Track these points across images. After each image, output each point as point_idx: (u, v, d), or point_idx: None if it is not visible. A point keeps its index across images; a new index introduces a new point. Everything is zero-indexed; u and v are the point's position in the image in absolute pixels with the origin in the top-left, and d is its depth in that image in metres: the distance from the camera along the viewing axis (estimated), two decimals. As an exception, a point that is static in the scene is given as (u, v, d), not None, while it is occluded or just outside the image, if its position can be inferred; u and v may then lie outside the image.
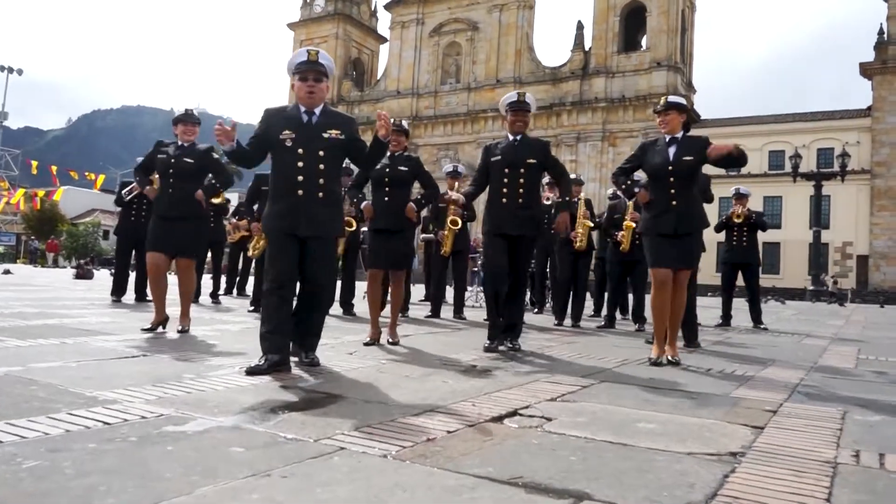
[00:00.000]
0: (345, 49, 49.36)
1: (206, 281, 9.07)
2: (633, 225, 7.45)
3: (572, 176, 8.03)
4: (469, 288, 11.50)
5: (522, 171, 4.79)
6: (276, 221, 3.48)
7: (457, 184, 7.98)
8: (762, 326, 8.31)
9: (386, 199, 4.95)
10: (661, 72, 38.53)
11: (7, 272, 15.94)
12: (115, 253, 8.24)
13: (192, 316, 5.31)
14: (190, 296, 5.10)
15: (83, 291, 10.00)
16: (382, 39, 51.49)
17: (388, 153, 5.10)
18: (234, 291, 10.39)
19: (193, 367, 3.43)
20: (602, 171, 39.10)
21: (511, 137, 4.91)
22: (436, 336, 5.79)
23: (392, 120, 5.25)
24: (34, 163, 50.09)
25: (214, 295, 8.73)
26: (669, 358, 4.34)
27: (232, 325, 5.88)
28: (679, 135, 4.58)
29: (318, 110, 3.55)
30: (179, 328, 4.97)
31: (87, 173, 54.08)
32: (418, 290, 11.19)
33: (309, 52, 3.54)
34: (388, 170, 5.00)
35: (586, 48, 41.01)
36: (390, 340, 4.94)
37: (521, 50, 42.55)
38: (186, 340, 4.58)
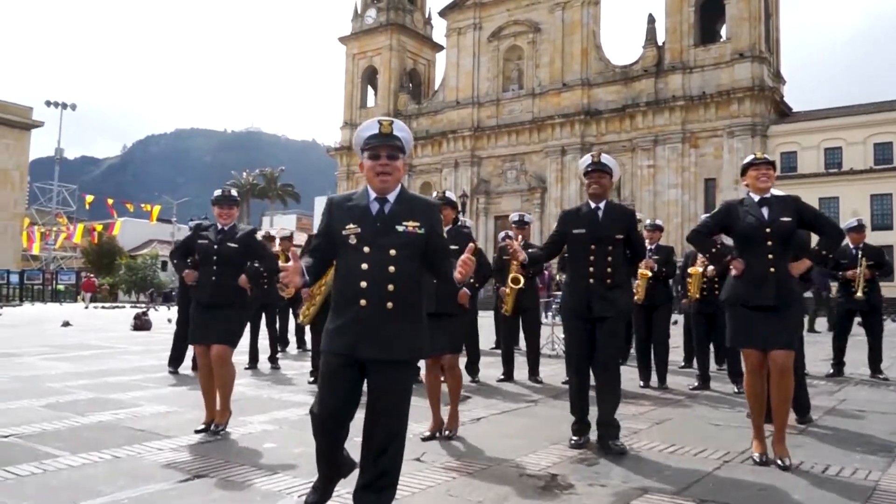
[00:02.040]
0: (399, 60, 49.93)
1: (263, 343, 9.15)
2: (699, 270, 7.16)
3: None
4: (544, 318, 11.22)
5: (610, 247, 4.59)
6: (331, 339, 2.98)
7: (521, 235, 7.82)
8: (882, 377, 7.82)
9: (435, 280, 4.84)
10: (744, 63, 37.42)
11: (67, 324, 16.58)
12: (177, 321, 8.43)
13: (248, 394, 5.34)
14: (228, 389, 5.06)
15: (140, 354, 10.28)
16: (438, 48, 51.87)
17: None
18: (297, 347, 10.47)
19: (246, 498, 3.39)
20: (683, 176, 38.18)
21: (593, 205, 4.70)
22: (511, 417, 5.64)
23: (435, 192, 5.18)
24: (89, 198, 52.61)
25: (273, 359, 8.80)
26: (780, 462, 4.04)
27: (291, 409, 5.87)
28: (769, 194, 4.31)
29: (392, 196, 3.01)
30: (218, 427, 4.94)
31: (142, 205, 56.49)
32: (488, 330, 11.03)
33: (381, 124, 3.04)
34: None
35: (659, 43, 40.24)
36: (449, 433, 4.80)
37: (588, 49, 42.07)
38: (240, 448, 4.57)
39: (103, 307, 32.36)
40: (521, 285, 7.39)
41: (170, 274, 55.53)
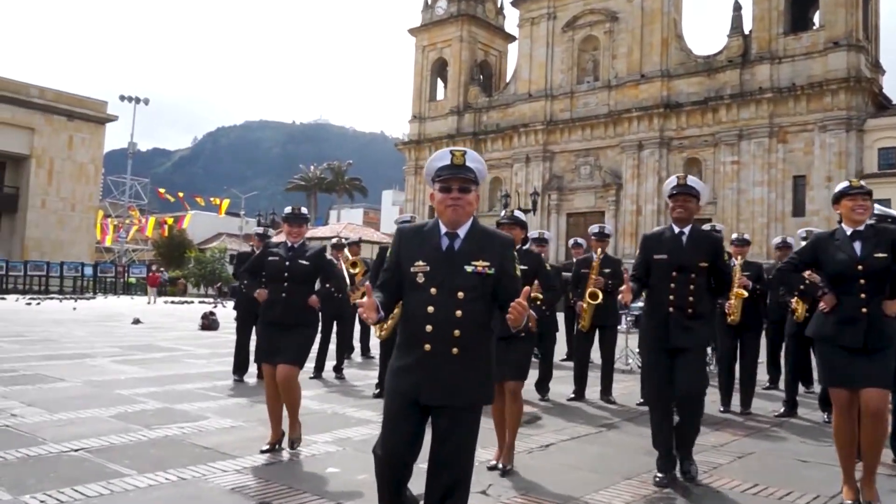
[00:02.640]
0: (470, 52, 49.87)
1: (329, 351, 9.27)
2: (743, 293, 6.87)
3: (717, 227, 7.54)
4: (620, 325, 10.96)
5: (693, 275, 4.48)
6: (395, 378, 2.96)
7: (600, 248, 7.68)
8: None
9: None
10: (839, 53, 35.90)
11: (137, 321, 17.20)
12: (236, 329, 8.62)
13: (312, 407, 5.41)
14: (296, 408, 5.14)
15: (206, 359, 10.56)
16: (510, 38, 51.58)
17: None
18: (360, 355, 10.58)
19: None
20: (770, 173, 36.97)
21: (676, 230, 4.59)
22: (582, 445, 5.54)
23: (503, 212, 5.14)
24: (162, 190, 54.51)
25: (339, 369, 8.91)
26: (870, 508, 3.85)
27: (355, 427, 5.91)
28: (862, 226, 4.08)
29: (462, 231, 2.95)
30: (290, 445, 5.05)
31: (211, 198, 58.22)
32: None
33: (453, 154, 2.98)
34: None
35: (746, 31, 38.97)
36: (502, 467, 4.70)
37: (669, 39, 41.11)
38: (303, 473, 4.62)
39: (172, 302, 33.43)
40: (599, 301, 7.28)
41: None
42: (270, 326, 5.13)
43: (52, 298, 32.52)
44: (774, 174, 37.02)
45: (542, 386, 7.59)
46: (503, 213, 5.14)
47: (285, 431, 5.16)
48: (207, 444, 5.23)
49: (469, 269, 2.88)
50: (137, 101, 52.01)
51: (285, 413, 5.15)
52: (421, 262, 2.91)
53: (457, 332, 2.85)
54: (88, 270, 44.32)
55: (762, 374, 8.76)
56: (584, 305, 7.42)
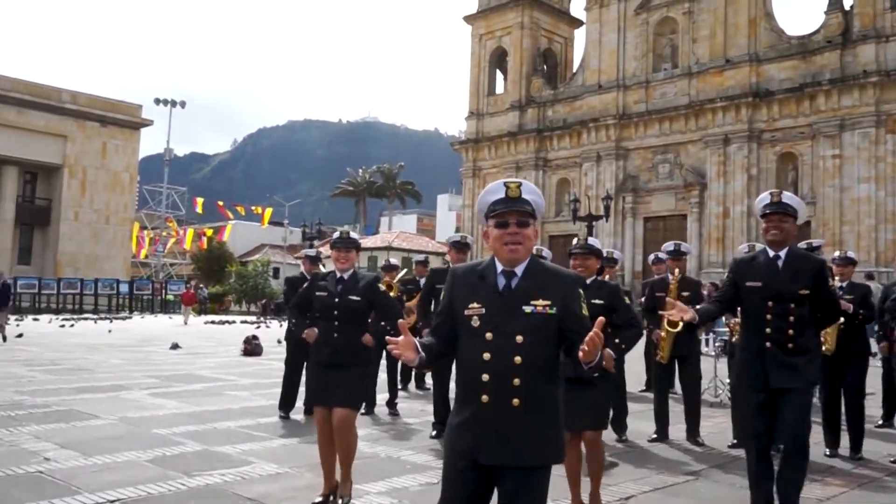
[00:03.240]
0: (532, 40, 49.77)
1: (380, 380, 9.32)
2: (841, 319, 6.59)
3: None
4: (704, 348, 10.79)
5: (792, 305, 4.38)
6: (452, 435, 2.94)
7: (676, 268, 7.54)
8: None
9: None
10: (957, 28, 34.66)
11: (175, 346, 17.60)
12: (285, 361, 8.74)
13: (363, 450, 5.44)
14: (352, 457, 5.18)
15: (249, 390, 10.73)
16: (577, 24, 51.31)
17: None
18: (413, 384, 10.60)
19: None
20: (877, 168, 35.83)
21: (771, 254, 4.50)
22: (667, 497, 5.43)
23: (576, 239, 5.12)
24: (200, 200, 55.82)
25: (392, 404, 8.94)
26: None
27: (411, 474, 5.91)
28: None
29: (520, 269, 2.93)
30: (340, 501, 5.07)
31: (253, 207, 59.36)
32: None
33: (508, 187, 2.97)
34: None
35: (846, 7, 37.93)
36: None
37: (757, 18, 40.27)
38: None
39: (213, 322, 34.12)
40: (678, 329, 7.15)
41: (281, 283, 58.05)
42: (321, 368, 5.17)
43: (86, 318, 33.56)
44: (883, 169, 35.83)
45: (619, 425, 7.47)
46: (574, 240, 5.09)
47: (338, 482, 5.19)
48: (252, 494, 5.30)
49: (528, 309, 2.86)
50: (174, 103, 53.47)
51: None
52: (475, 304, 2.91)
53: (516, 381, 2.82)
54: (124, 287, 45.67)
55: (873, 410, 8.47)
56: (663, 334, 7.28)
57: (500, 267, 2.96)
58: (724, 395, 9.94)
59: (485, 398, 2.84)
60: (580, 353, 2.76)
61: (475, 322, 2.89)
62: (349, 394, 5.07)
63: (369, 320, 5.38)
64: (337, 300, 5.16)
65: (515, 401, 2.82)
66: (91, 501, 5.01)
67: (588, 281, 4.95)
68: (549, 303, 2.87)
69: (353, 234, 5.48)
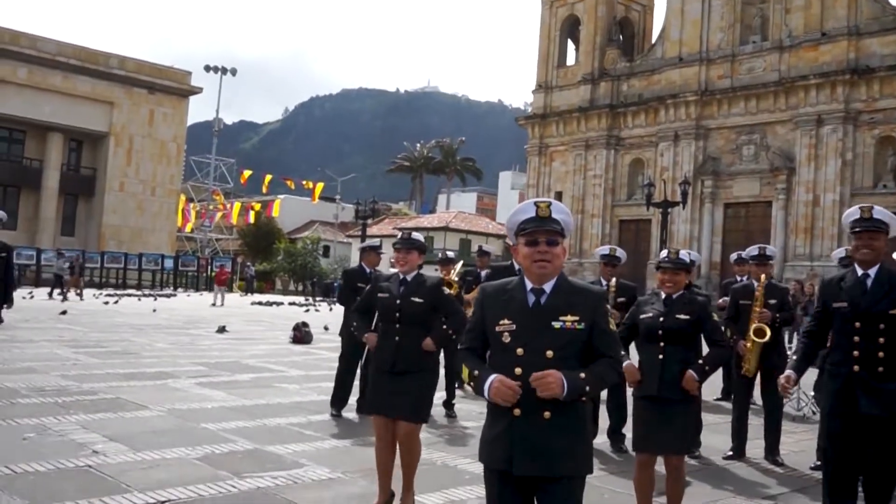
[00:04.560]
0: (608, 7, 49.17)
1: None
2: None
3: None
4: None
5: (883, 326, 4.40)
6: (487, 451, 3.23)
7: (763, 274, 7.47)
8: None
9: (660, 356, 4.83)
10: None
11: (223, 329, 18.04)
12: (340, 357, 8.91)
13: (424, 455, 5.56)
14: (413, 468, 5.30)
15: (299, 382, 10.98)
16: (657, -11, 50.48)
17: (665, 295, 5.01)
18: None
19: None
20: None
21: (860, 272, 4.54)
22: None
23: (666, 251, 5.15)
24: (247, 173, 56.70)
25: (449, 405, 9.05)
26: None
27: (470, 485, 6.01)
28: None
29: (549, 286, 3.21)
30: None
31: (304, 182, 60.09)
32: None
33: (538, 206, 3.26)
34: (662, 319, 4.86)
35: (961, -24, 36.65)
36: None
37: (858, -13, 39.17)
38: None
39: (260, 303, 34.78)
40: (766, 339, 7.13)
41: (331, 262, 58.87)
42: (383, 374, 5.29)
43: (130, 295, 34.53)
44: None
45: (693, 439, 7.47)
46: (664, 253, 5.11)
47: (394, 492, 5.32)
48: (304, 500, 5.48)
49: (557, 325, 3.15)
50: (224, 71, 54.39)
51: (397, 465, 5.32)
52: (506, 321, 3.20)
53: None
54: (169, 263, 46.86)
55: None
56: (749, 345, 7.24)
57: (529, 284, 3.24)
58: (807, 409, 9.83)
59: (517, 412, 3.11)
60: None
61: (506, 338, 3.18)
62: (414, 405, 5.19)
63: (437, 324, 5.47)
64: (399, 302, 5.28)
65: (546, 414, 3.10)
66: (141, 501, 5.24)
67: (675, 295, 5.00)
68: (577, 318, 3.16)
69: (416, 235, 5.58)
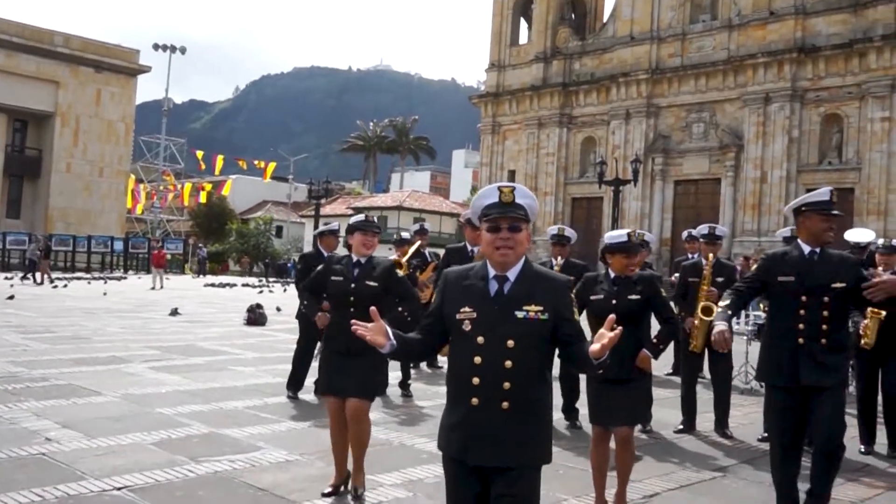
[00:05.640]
0: (559, -15, 49.21)
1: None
2: (882, 312, 6.63)
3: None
4: (739, 327, 10.92)
5: (826, 299, 4.54)
6: (445, 438, 3.20)
7: (711, 253, 7.61)
8: None
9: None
10: None
11: (175, 312, 17.86)
12: (297, 340, 8.87)
13: (376, 437, 5.61)
14: (364, 448, 5.34)
15: (255, 365, 10.93)
16: (608, -32, 50.62)
17: (614, 275, 5.08)
18: (427, 364, 10.78)
19: None
20: (931, 133, 35.48)
21: (806, 249, 4.65)
22: (693, 496, 5.58)
23: (635, 230, 5.22)
24: (199, 153, 55.96)
25: (404, 385, 9.08)
26: None
27: (426, 465, 6.06)
28: None
29: (513, 273, 3.13)
30: (352, 493, 5.24)
31: (255, 161, 59.49)
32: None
33: (501, 191, 3.18)
34: (614, 301, 4.94)
35: (903, -44, 37.29)
36: None
37: (805, -34, 39.68)
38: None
39: (213, 285, 34.46)
40: (713, 316, 7.26)
41: (284, 242, 58.47)
42: (335, 356, 5.31)
43: (79, 278, 33.95)
44: (937, 134, 35.54)
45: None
46: (619, 234, 5.14)
47: (350, 471, 5.36)
48: (262, 483, 5.49)
49: (520, 314, 3.07)
50: (173, 49, 53.40)
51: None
52: (467, 308, 3.12)
53: (507, 385, 3.05)
54: (119, 245, 46.06)
55: None
56: (697, 322, 7.38)
57: (492, 272, 3.16)
58: (754, 383, 10.05)
59: (475, 401, 3.08)
60: (593, 349, 2.98)
61: (466, 326, 3.11)
62: (363, 383, 5.21)
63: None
64: (353, 286, 5.28)
65: (505, 404, 3.06)
66: (97, 488, 5.21)
67: (625, 276, 5.08)
68: (541, 308, 3.08)
69: (376, 220, 5.60)
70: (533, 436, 3.11)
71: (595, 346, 2.98)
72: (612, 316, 3.06)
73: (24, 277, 29.58)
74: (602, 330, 3.01)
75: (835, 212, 4.62)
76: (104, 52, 51.99)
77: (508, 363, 3.04)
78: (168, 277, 38.00)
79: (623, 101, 45.03)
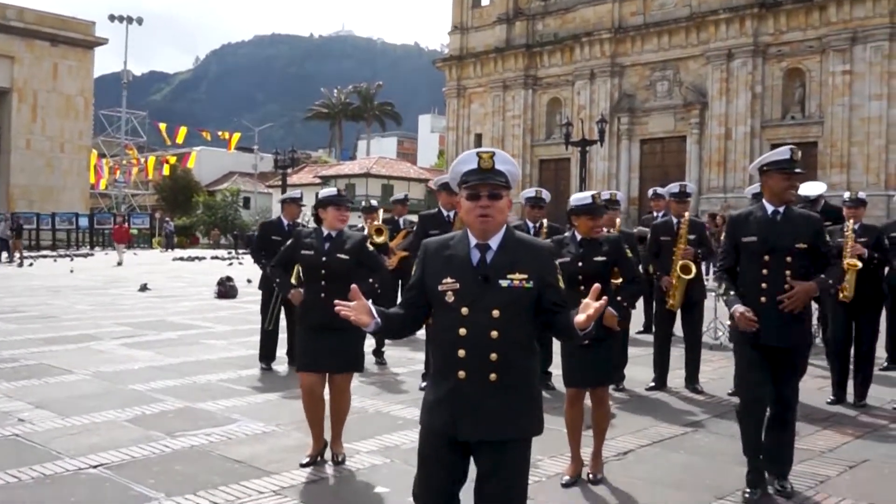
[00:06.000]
0: (520, -55, 48.81)
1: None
2: (858, 264, 6.78)
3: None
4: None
5: (789, 259, 4.60)
6: (428, 413, 3.09)
7: (686, 214, 7.67)
8: None
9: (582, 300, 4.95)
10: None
11: (145, 288, 17.72)
12: (261, 311, 8.83)
13: (352, 406, 5.64)
14: (343, 420, 5.38)
15: (227, 338, 10.90)
16: (569, -74, 50.26)
17: (580, 238, 5.09)
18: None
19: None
20: (890, 85, 35.84)
21: (769, 209, 4.69)
22: (665, 451, 5.68)
23: (599, 192, 5.23)
24: (162, 126, 55.21)
25: (378, 353, 9.10)
26: None
27: (402, 431, 6.11)
28: None
29: (494, 241, 3.04)
30: (333, 460, 5.29)
31: (219, 132, 58.81)
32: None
33: (480, 157, 3.06)
34: (580, 263, 4.97)
35: None
36: (592, 477, 5.00)
37: (765, -80, 39.66)
38: (350, 494, 4.86)
39: (182, 259, 34.19)
40: (692, 275, 7.36)
41: (253, 213, 58.04)
42: (310, 331, 5.29)
43: (44, 256, 33.54)
44: (896, 86, 35.93)
45: (617, 373, 7.70)
46: (584, 196, 5.12)
47: (327, 441, 5.38)
48: (238, 456, 5.50)
49: (504, 283, 2.98)
50: (130, 20, 52.38)
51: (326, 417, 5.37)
52: (449, 280, 3.02)
53: (493, 356, 2.96)
54: (84, 221, 45.52)
55: (880, 353, 8.76)
56: (675, 281, 7.44)
57: (473, 240, 3.06)
58: (724, 338, 10.21)
59: (461, 374, 2.99)
60: (579, 319, 2.90)
61: (449, 297, 3.01)
62: (345, 358, 5.23)
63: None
64: (325, 259, 5.26)
65: (493, 376, 2.97)
66: (73, 467, 5.19)
67: (590, 238, 5.09)
68: (525, 276, 2.99)
69: (345, 192, 5.57)
70: (523, 407, 3.03)
71: (580, 317, 2.89)
72: (597, 285, 3.01)
73: None
74: (587, 300, 2.93)
75: (797, 170, 4.65)
76: (59, 25, 50.94)
77: (494, 333, 2.95)
78: (135, 253, 37.70)
79: (587, 61, 44.97)
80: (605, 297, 2.96)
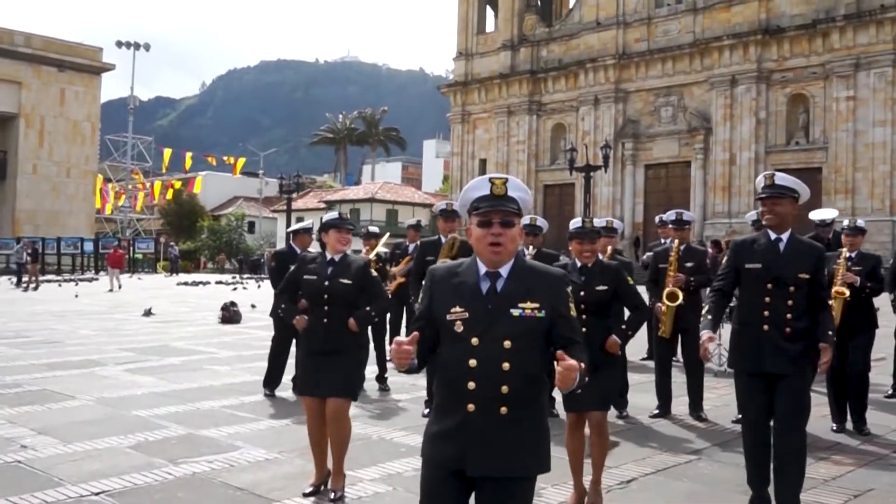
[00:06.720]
0: (525, -27, 49.23)
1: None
2: (846, 293, 6.79)
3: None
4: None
5: (792, 289, 4.61)
6: (431, 447, 3.00)
7: (677, 241, 7.70)
8: None
9: (584, 329, 4.94)
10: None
11: (149, 313, 17.73)
12: (273, 338, 8.84)
13: (355, 433, 5.62)
14: (345, 448, 5.32)
15: (230, 364, 10.90)
16: (573, -46, 50.72)
17: (580, 265, 5.12)
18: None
19: None
20: (894, 110, 35.96)
21: (773, 236, 4.71)
22: (668, 480, 5.66)
23: (591, 217, 5.26)
24: (167, 152, 55.49)
25: (381, 378, 9.11)
26: None
27: (405, 458, 6.10)
28: None
29: (505, 269, 2.96)
30: (332, 496, 5.19)
31: (225, 157, 59.10)
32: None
33: (493, 183, 2.99)
34: (582, 293, 4.98)
35: (863, -64, 37.67)
36: None
37: (767, -52, 39.99)
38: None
39: (186, 283, 34.22)
40: (679, 301, 7.34)
41: (257, 238, 58.19)
42: (312, 356, 5.31)
43: (49, 281, 33.59)
44: (901, 111, 36.02)
45: (620, 400, 7.69)
46: (576, 222, 5.18)
47: (330, 470, 5.37)
48: (241, 483, 5.49)
49: (516, 312, 2.90)
50: (137, 46, 52.84)
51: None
52: (458, 308, 2.93)
53: (504, 388, 2.88)
54: (89, 246, 45.58)
55: (886, 379, 8.75)
56: (664, 308, 7.45)
57: (482, 269, 2.98)
58: (723, 359, 10.17)
59: (471, 407, 2.90)
60: (557, 383, 2.82)
61: (458, 327, 2.92)
62: (343, 383, 5.21)
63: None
64: (327, 284, 5.28)
65: (503, 409, 2.89)
66: (75, 494, 5.18)
67: (590, 264, 5.11)
68: (537, 305, 2.92)
69: (345, 214, 5.60)
70: (532, 444, 2.96)
71: (556, 381, 2.80)
72: (560, 352, 2.84)
73: (18, 283, 29.61)
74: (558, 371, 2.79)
75: (763, 195, 4.67)
76: (66, 51, 51.30)
77: (506, 365, 2.87)
78: (140, 278, 37.72)
79: (591, 86, 45.24)
80: (572, 362, 2.80)
